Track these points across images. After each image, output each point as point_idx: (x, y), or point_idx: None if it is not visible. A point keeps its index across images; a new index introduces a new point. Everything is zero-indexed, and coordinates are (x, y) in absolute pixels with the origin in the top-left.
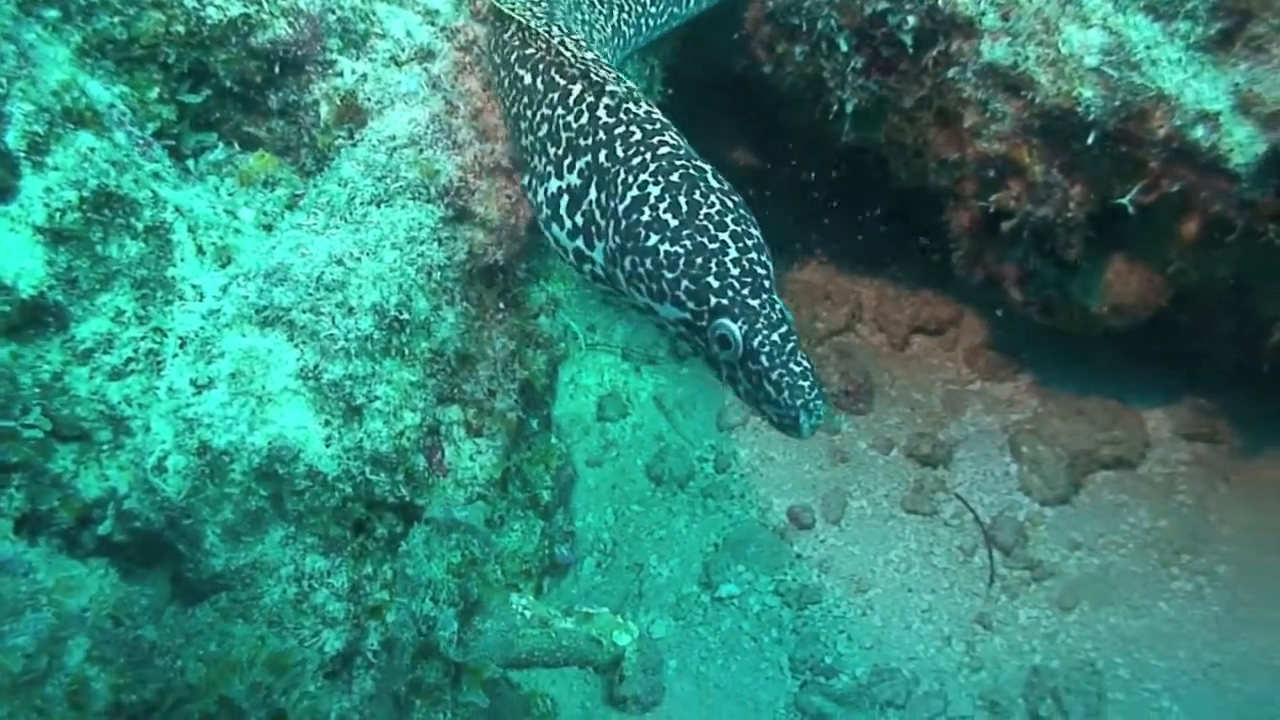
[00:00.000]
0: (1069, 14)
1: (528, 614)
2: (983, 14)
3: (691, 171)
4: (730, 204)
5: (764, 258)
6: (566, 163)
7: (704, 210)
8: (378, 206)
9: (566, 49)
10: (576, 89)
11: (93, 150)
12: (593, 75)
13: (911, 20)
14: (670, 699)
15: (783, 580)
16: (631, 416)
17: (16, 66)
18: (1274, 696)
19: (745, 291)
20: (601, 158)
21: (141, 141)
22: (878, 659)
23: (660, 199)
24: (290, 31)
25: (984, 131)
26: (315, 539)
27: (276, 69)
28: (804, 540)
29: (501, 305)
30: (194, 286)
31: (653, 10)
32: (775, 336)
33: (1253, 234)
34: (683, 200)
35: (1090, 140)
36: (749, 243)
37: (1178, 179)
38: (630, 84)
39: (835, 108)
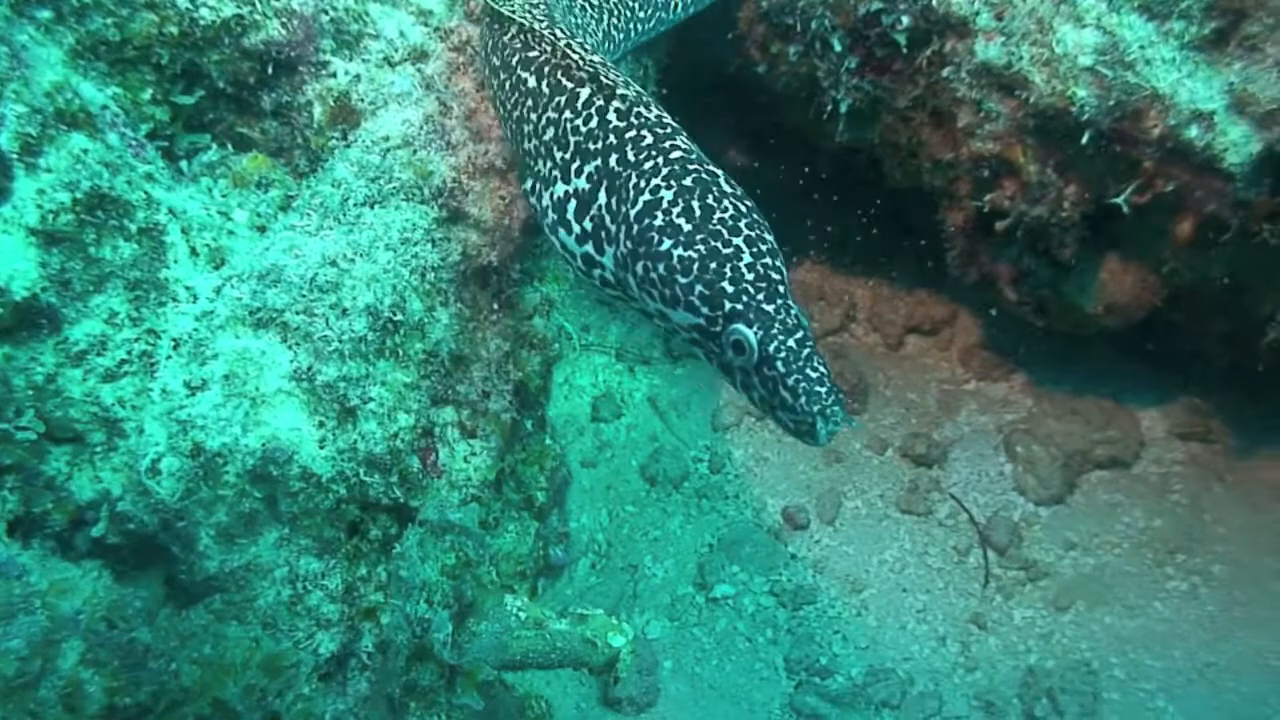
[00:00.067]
0: (1063, 13)
1: (522, 615)
2: (977, 14)
3: (704, 176)
4: (744, 209)
5: (778, 263)
6: (574, 167)
7: (717, 215)
8: (371, 208)
9: (574, 52)
10: (585, 92)
11: (86, 152)
12: (603, 79)
13: (905, 20)
14: (665, 700)
15: (777, 581)
16: (626, 417)
17: (9, 68)
18: (1269, 696)
19: (760, 296)
20: (612, 162)
21: (135, 143)
22: (873, 659)
23: (673, 203)
24: (283, 32)
25: (978, 131)
26: (309, 541)
27: (270, 70)
28: (799, 541)
29: (495, 306)
30: (187, 288)
31: (641, 15)
32: (791, 342)
33: (1247, 234)
34: (696, 205)
35: (1085, 140)
36: (763, 247)
37: (1172, 179)
38: (639, 88)
39: (829, 108)
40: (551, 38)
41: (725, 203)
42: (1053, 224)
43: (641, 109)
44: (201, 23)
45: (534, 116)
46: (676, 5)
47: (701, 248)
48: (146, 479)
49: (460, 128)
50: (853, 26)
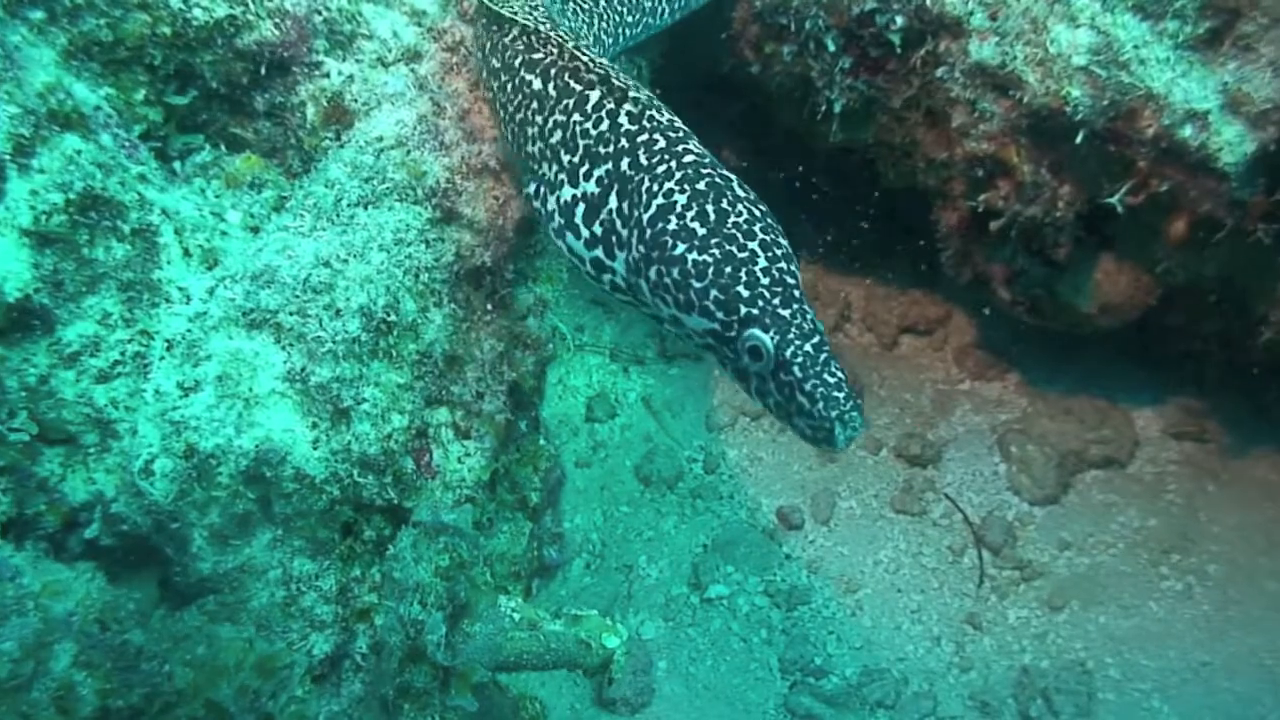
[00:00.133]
0: (1057, 13)
1: (516, 617)
2: (971, 13)
3: (718, 180)
4: (758, 213)
5: (793, 267)
6: (583, 170)
7: (732, 218)
8: (365, 208)
9: (582, 54)
10: (595, 95)
11: (79, 153)
12: (614, 81)
13: (899, 20)
14: (660, 700)
15: (772, 581)
16: (620, 417)
17: (2, 69)
18: (1264, 695)
19: (776, 301)
20: (624, 166)
21: (128, 143)
22: (867, 659)
23: (687, 207)
24: (276, 33)
25: (972, 131)
26: (303, 542)
27: (263, 70)
28: (793, 541)
29: (489, 307)
30: (180, 289)
31: (629, 20)
32: (808, 347)
33: (1241, 233)
34: (710, 208)
35: (1079, 140)
36: (778, 251)
37: (1166, 178)
38: (648, 92)
39: (823, 108)
40: (558, 39)
41: (739, 207)
42: (1047, 224)
43: (654, 112)
44: (194, 23)
45: (539, 119)
46: (662, 11)
47: (716, 251)
48: (140, 480)
49: (454, 128)
50: (846, 26)
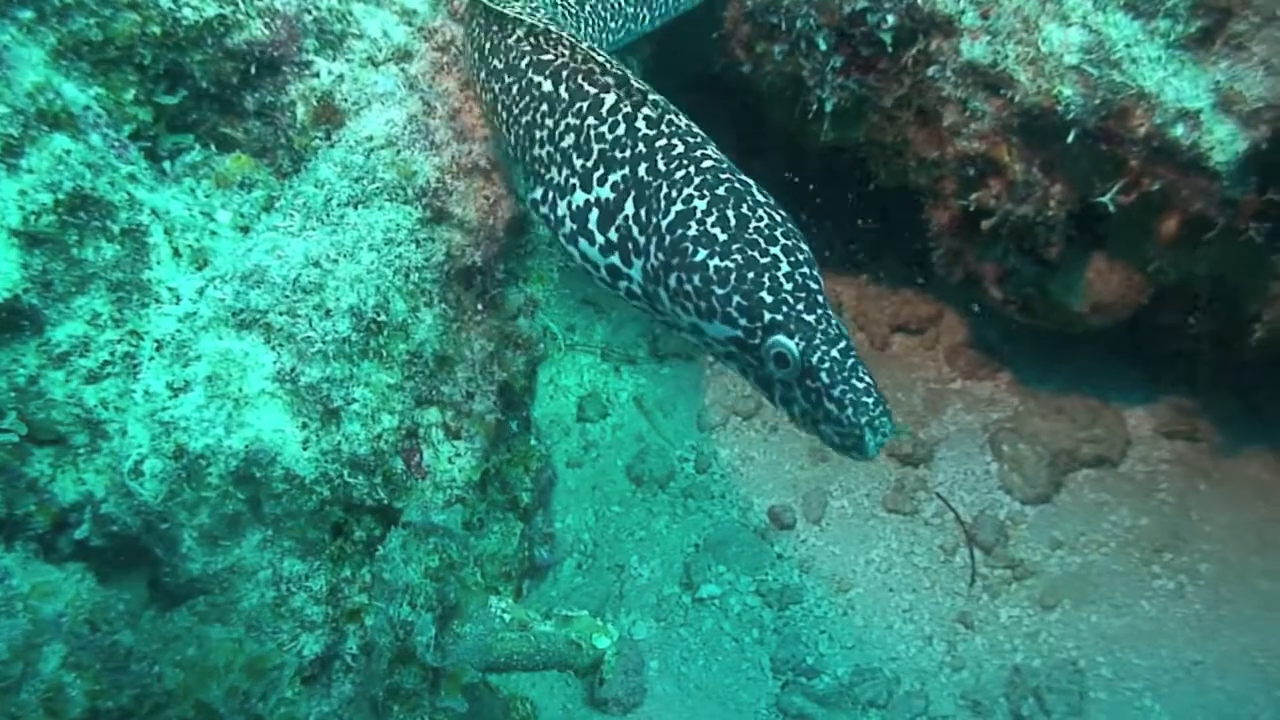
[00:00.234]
0: (1049, 12)
1: (506, 617)
2: (962, 12)
3: (737, 185)
4: (778, 218)
5: (815, 272)
6: (597, 175)
7: (753, 224)
8: (355, 208)
9: (597, 55)
10: (610, 98)
11: (68, 152)
12: (632, 84)
13: (891, 19)
14: (652, 700)
15: (764, 580)
16: (611, 417)
17: None
18: (1255, 694)
19: (800, 306)
20: (641, 171)
21: (117, 143)
22: (859, 659)
23: (707, 213)
24: (266, 32)
25: (964, 130)
26: (293, 542)
27: (253, 70)
28: (785, 540)
29: (480, 306)
30: (170, 289)
31: (612, 26)
32: (835, 352)
33: (1233, 232)
34: (730, 214)
35: (1070, 139)
36: (800, 257)
37: (1158, 177)
38: (660, 96)
39: (814, 107)
40: (570, 40)
41: (760, 211)
42: (1038, 223)
43: (672, 116)
44: (184, 23)
45: (549, 122)
46: (644, 18)
47: (738, 257)
48: (129, 481)
49: (444, 127)
50: (838, 25)
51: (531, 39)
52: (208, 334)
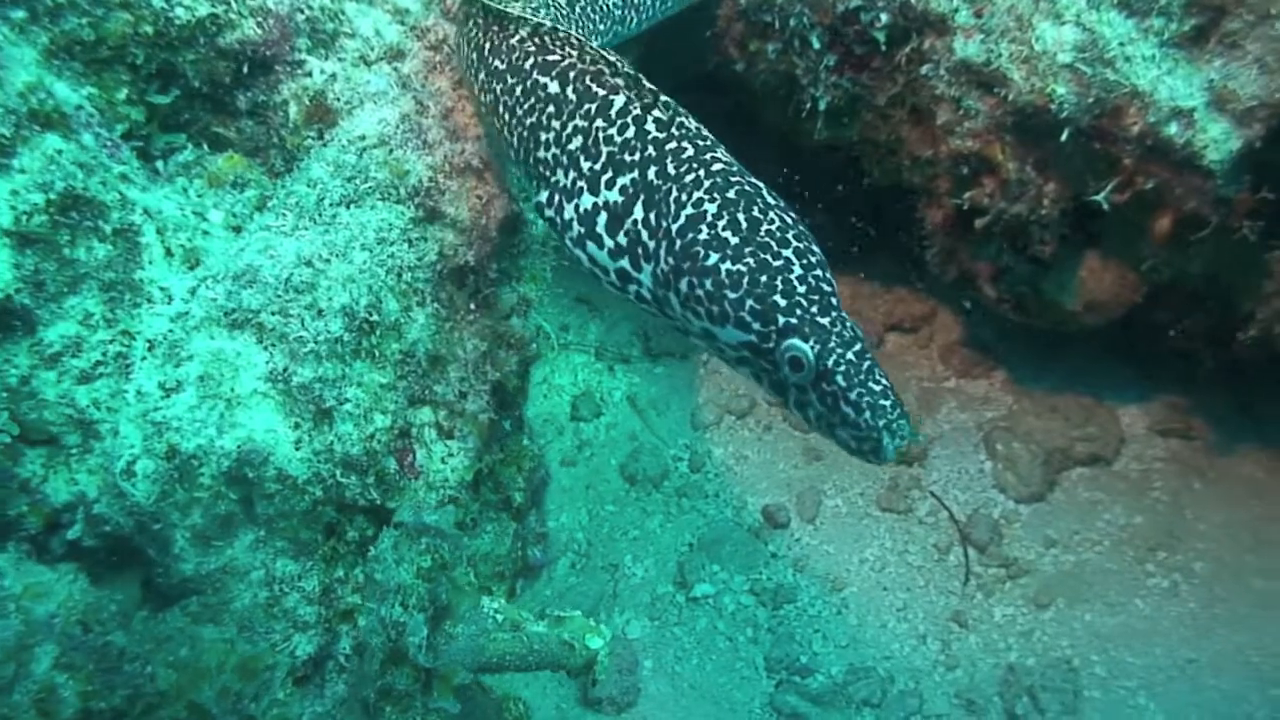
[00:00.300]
0: (1042, 10)
1: (499, 618)
2: (956, 11)
3: (747, 188)
4: (789, 220)
5: (828, 274)
6: (605, 178)
7: (764, 227)
8: (347, 207)
9: (606, 56)
10: (619, 100)
11: (60, 152)
12: (643, 86)
13: (884, 17)
14: (645, 699)
15: (758, 579)
16: (605, 416)
17: None
18: (1249, 693)
19: (814, 309)
20: (651, 175)
21: (109, 143)
22: (853, 658)
23: (718, 216)
24: (258, 31)
25: (957, 129)
26: (285, 543)
27: (245, 69)
28: (779, 539)
29: (472, 306)
30: (162, 289)
31: (600, 29)
32: (850, 355)
33: (1227, 230)
34: (742, 217)
35: (1064, 137)
36: (813, 259)
37: (1152, 176)
38: (670, 98)
39: (808, 105)
40: (577, 40)
41: (771, 214)
42: (1032, 221)
43: (683, 119)
44: (177, 22)
45: (555, 124)
46: (631, 20)
47: (751, 260)
48: (122, 481)
49: (437, 127)
50: (831, 24)
51: (536, 39)
52: (200, 334)
